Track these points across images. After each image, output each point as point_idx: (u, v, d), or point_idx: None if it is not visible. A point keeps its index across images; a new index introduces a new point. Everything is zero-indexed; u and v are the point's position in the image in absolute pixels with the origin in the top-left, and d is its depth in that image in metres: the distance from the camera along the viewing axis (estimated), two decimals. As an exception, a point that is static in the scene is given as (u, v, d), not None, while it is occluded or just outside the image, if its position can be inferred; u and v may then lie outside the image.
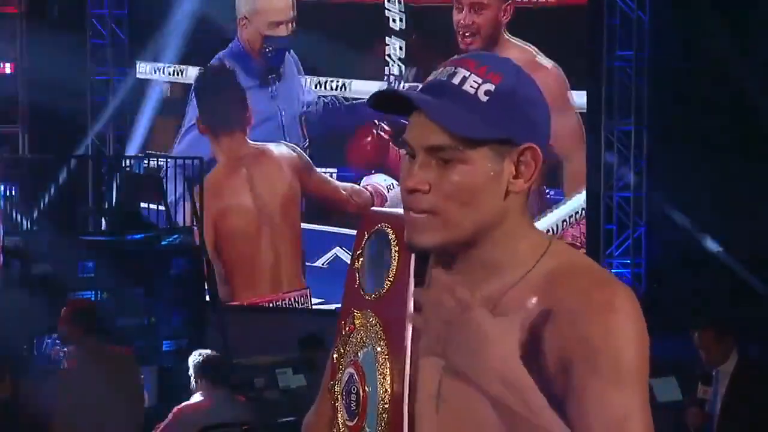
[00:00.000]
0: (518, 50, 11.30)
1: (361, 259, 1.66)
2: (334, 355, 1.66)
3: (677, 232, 10.86)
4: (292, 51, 12.46)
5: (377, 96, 1.56)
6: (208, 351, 6.42)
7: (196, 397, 5.63)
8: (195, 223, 10.12)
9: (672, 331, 6.24)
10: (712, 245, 10.64)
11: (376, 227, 1.66)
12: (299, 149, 12.38)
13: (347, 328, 1.65)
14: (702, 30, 10.65)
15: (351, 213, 11.70)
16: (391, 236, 1.62)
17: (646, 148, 11.63)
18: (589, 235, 11.50)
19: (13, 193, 10.80)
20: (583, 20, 11.71)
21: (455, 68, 1.53)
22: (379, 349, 1.59)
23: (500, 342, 1.46)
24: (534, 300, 1.51)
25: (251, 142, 12.48)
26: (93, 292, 8.55)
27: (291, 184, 12.36)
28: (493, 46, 11.36)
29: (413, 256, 1.59)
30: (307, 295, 12.22)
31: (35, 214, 10.62)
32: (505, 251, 1.55)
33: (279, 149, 12.42)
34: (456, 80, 1.52)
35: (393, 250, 1.61)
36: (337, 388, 1.64)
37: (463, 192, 1.51)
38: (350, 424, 1.62)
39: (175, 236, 9.31)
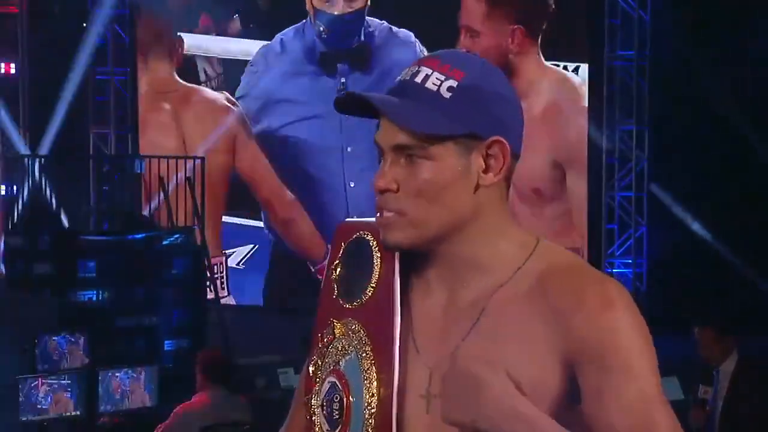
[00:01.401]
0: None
1: (339, 269, 1.65)
2: (310, 368, 1.64)
3: (679, 231, 10.86)
4: (411, 37, 10.57)
5: (340, 99, 1.56)
6: (212, 350, 6.43)
7: (198, 397, 5.63)
8: (196, 223, 10.13)
9: (673, 330, 6.23)
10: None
11: (355, 236, 1.64)
12: (241, 109, 11.10)
13: (325, 340, 1.63)
14: (703, 29, 10.65)
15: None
16: (373, 243, 1.61)
17: (647, 148, 11.63)
18: (590, 235, 11.50)
19: (15, 193, 10.80)
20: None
21: (419, 67, 1.54)
22: (364, 354, 1.58)
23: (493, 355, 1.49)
24: (525, 301, 1.51)
25: (181, 81, 11.52)
26: (94, 292, 8.55)
27: (226, 129, 11.11)
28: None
29: (397, 260, 1.59)
30: (223, 264, 11.18)
31: (37, 214, 10.63)
32: (486, 249, 1.55)
33: (214, 95, 11.30)
34: (418, 78, 1.52)
35: (375, 257, 1.60)
36: (314, 401, 1.63)
37: (431, 189, 1.51)
38: None
39: (176, 236, 9.31)
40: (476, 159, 1.52)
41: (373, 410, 1.56)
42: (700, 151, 10.67)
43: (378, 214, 1.55)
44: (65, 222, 11.04)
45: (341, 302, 1.63)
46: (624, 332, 1.47)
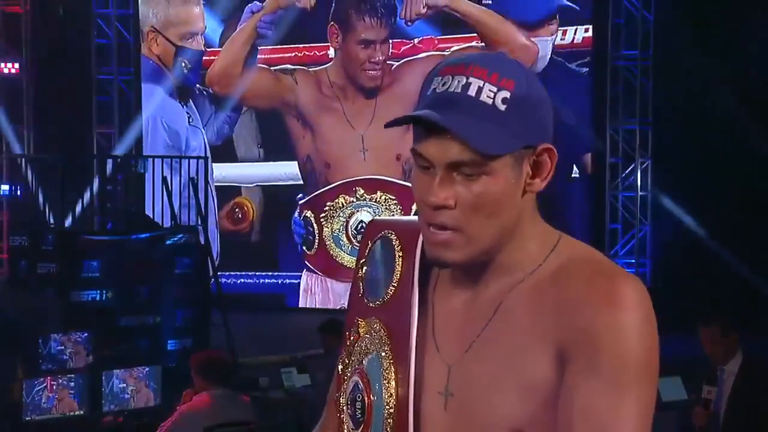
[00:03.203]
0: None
1: (365, 267, 1.65)
2: (339, 367, 1.65)
3: (681, 231, 10.85)
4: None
5: (397, 118, 1.52)
6: (205, 352, 6.42)
7: (200, 398, 5.61)
8: (200, 223, 10.13)
9: (677, 330, 6.23)
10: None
11: (380, 234, 1.64)
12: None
13: (352, 338, 1.63)
14: (706, 29, 10.65)
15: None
16: (396, 242, 1.61)
17: (650, 148, 11.63)
18: (593, 235, 11.49)
19: (19, 193, 10.82)
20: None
21: (467, 78, 1.47)
22: (383, 354, 1.58)
23: (507, 349, 1.48)
24: (538, 295, 1.49)
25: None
26: (97, 292, 8.55)
27: None
28: None
29: (417, 260, 1.58)
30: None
31: (40, 214, 10.64)
32: (518, 250, 1.53)
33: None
34: (472, 92, 1.46)
35: (397, 255, 1.60)
36: (342, 399, 1.63)
37: (487, 203, 1.47)
38: None
39: (180, 236, 9.31)
40: (525, 167, 1.50)
41: (391, 410, 1.55)
42: (704, 150, 10.67)
43: (430, 230, 1.51)
44: (69, 222, 11.05)
45: (366, 301, 1.63)
46: (624, 334, 1.40)
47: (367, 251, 1.65)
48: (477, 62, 1.49)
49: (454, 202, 1.48)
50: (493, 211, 1.48)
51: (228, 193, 13.28)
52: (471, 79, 1.47)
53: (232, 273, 12.83)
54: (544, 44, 11.60)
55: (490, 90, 1.46)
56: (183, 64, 13.02)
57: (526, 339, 1.48)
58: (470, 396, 1.51)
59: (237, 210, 13.31)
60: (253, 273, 13.09)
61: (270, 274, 13.10)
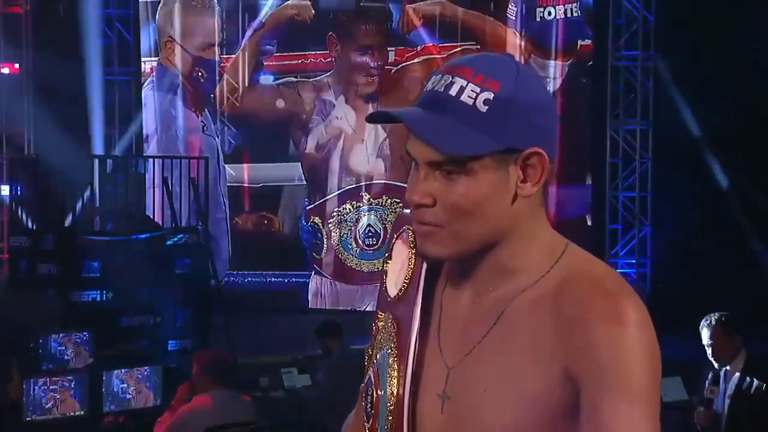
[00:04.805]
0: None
1: (389, 261, 1.66)
2: (366, 357, 1.67)
3: (681, 232, 10.84)
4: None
5: (374, 115, 1.54)
6: (210, 351, 6.43)
7: (202, 398, 5.61)
8: (200, 224, 10.13)
9: (677, 330, 6.24)
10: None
11: (402, 229, 1.65)
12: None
13: (374, 330, 1.65)
14: (706, 29, 10.65)
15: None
16: (410, 239, 1.62)
17: (651, 148, 11.63)
18: (594, 235, 11.49)
19: (19, 193, 10.81)
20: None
21: (452, 77, 1.47)
22: (389, 351, 1.59)
23: (509, 355, 1.48)
24: (539, 308, 1.49)
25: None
26: (98, 292, 8.55)
27: None
28: None
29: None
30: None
31: (41, 214, 10.63)
32: (519, 255, 1.52)
33: None
34: (453, 91, 1.46)
35: (410, 253, 1.61)
36: (362, 390, 1.66)
37: (468, 203, 1.47)
38: (368, 425, 1.62)
39: (181, 236, 9.31)
40: (514, 170, 1.48)
41: (391, 407, 1.56)
42: (705, 151, 10.67)
43: (417, 224, 1.52)
44: (69, 222, 11.04)
45: (386, 294, 1.64)
46: (627, 350, 1.41)
47: (391, 245, 1.66)
48: (468, 63, 1.49)
49: (432, 200, 1.49)
50: (473, 212, 1.48)
51: (268, 191, 13.32)
52: (455, 79, 1.47)
53: (252, 272, 12.99)
54: (560, 68, 11.62)
55: (472, 90, 1.46)
56: (199, 74, 13.16)
57: (525, 352, 1.48)
58: (466, 401, 1.52)
59: (266, 223, 13.41)
60: (281, 272, 13.21)
61: (292, 273, 13.21)
